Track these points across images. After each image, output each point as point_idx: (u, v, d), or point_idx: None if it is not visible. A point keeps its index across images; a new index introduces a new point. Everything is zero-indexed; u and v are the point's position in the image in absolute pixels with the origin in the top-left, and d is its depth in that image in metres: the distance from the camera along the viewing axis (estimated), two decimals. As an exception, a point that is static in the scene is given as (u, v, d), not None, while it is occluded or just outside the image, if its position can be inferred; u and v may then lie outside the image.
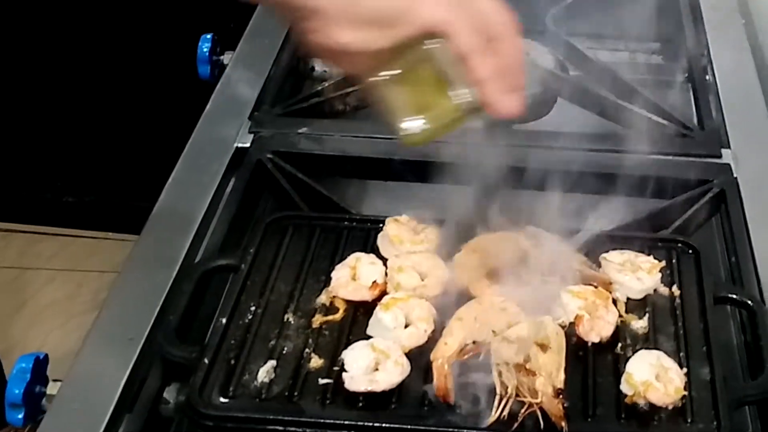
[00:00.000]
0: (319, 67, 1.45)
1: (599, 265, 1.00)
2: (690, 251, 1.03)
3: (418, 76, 0.85)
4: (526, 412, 0.85)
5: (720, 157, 1.20)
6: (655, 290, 0.98)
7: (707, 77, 1.35)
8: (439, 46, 0.82)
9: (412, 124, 0.85)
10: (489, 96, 0.82)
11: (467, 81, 0.82)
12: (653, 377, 0.88)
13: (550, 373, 0.87)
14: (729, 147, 1.21)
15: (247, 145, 1.19)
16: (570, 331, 0.93)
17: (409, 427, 0.86)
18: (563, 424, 0.85)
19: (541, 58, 1.35)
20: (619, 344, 0.93)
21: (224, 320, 0.95)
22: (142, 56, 2.31)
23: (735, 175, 1.16)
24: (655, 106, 1.26)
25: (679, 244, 1.04)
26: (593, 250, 1.01)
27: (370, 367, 0.89)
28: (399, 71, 0.84)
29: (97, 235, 2.33)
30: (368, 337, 0.93)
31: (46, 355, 0.95)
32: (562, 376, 0.88)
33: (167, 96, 2.12)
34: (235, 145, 1.20)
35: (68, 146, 2.34)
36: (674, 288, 0.99)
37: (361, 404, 0.87)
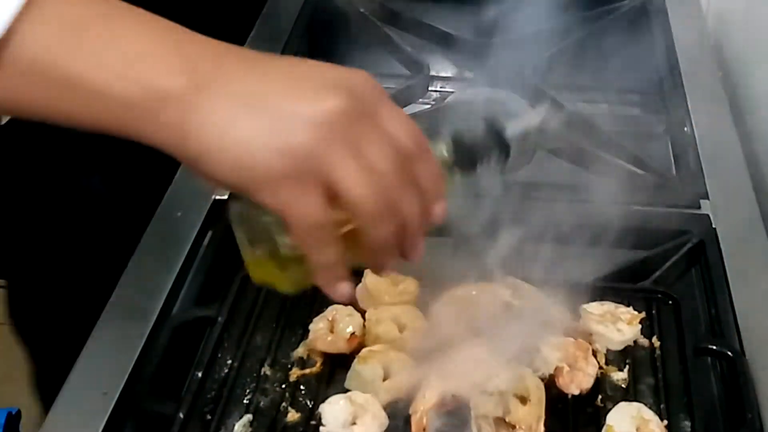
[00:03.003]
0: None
1: (579, 317, 1.00)
2: (670, 302, 1.03)
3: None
4: (506, 466, 0.84)
5: (699, 208, 1.20)
6: (635, 342, 0.98)
7: (685, 129, 1.35)
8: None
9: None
10: (321, 283, 0.78)
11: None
12: (634, 430, 0.87)
13: (530, 426, 0.87)
14: (707, 198, 1.21)
15: (225, 197, 1.19)
16: (550, 383, 0.92)
17: (387, 481, 0.85)
18: (543, 477, 0.84)
19: (521, 110, 1.35)
20: (599, 396, 0.93)
21: (200, 374, 0.94)
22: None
23: (714, 226, 1.16)
24: (633, 157, 1.27)
25: (659, 295, 1.04)
26: (573, 301, 1.01)
27: (348, 420, 0.88)
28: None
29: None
30: (346, 391, 0.92)
31: (19, 411, 0.93)
32: (542, 429, 0.87)
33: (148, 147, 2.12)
34: (213, 197, 1.19)
35: (52, 199, 2.33)
36: (654, 339, 0.98)
37: (338, 458, 0.86)
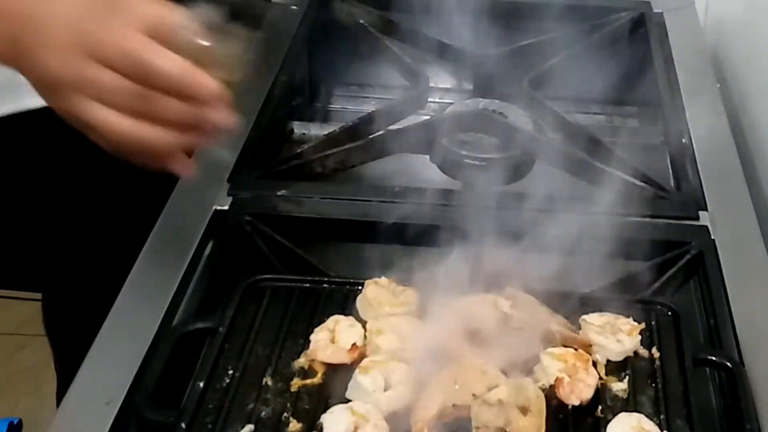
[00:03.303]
0: (298, 129, 1.45)
1: (579, 327, 1.00)
2: (669, 313, 1.03)
3: None
4: (507, 476, 0.84)
5: (697, 219, 1.20)
6: (635, 352, 0.98)
7: (683, 140, 1.36)
8: None
9: None
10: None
11: None
12: (634, 440, 0.88)
13: (530, 436, 0.87)
14: (706, 209, 1.22)
15: (226, 207, 1.19)
16: (550, 393, 0.92)
17: (388, 491, 0.85)
18: (544, 488, 0.84)
19: (519, 121, 1.36)
20: (600, 407, 0.93)
21: (201, 384, 0.94)
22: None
23: (713, 237, 1.16)
24: (632, 169, 1.27)
25: (658, 306, 1.04)
26: (573, 312, 1.01)
27: (349, 430, 0.88)
28: None
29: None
30: (347, 401, 0.92)
31: (20, 421, 0.93)
32: (542, 439, 0.87)
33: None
34: (214, 207, 1.19)
35: (45, 209, 2.32)
36: (654, 350, 0.98)
37: (340, 468, 0.86)
